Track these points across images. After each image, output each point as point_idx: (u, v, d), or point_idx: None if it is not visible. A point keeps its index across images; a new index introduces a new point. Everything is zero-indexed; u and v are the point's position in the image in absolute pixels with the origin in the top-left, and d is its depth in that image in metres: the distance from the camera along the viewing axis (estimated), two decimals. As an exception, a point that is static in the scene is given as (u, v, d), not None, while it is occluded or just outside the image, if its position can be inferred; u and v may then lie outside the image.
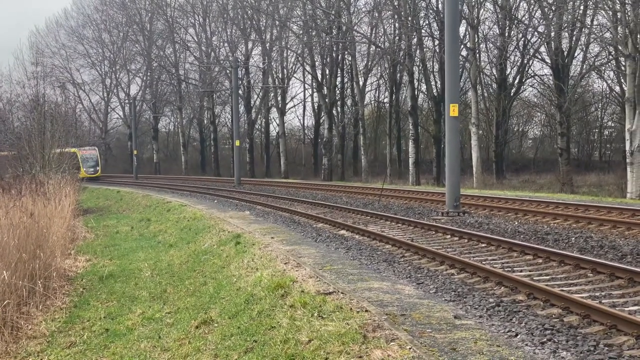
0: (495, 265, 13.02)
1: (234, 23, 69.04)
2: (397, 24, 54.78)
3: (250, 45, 69.19)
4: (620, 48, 37.04)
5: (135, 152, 74.07)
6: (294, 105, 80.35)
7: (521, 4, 50.94)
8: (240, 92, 60.65)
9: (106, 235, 28.50)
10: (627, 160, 34.70)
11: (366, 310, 9.41)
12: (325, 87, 60.47)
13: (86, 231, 29.78)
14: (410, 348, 7.69)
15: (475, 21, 46.56)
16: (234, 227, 21.46)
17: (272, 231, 19.99)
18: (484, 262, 13.32)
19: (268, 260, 14.77)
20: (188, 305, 14.22)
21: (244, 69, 65.70)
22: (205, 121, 79.56)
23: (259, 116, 75.39)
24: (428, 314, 9.37)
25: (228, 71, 66.84)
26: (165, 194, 43.11)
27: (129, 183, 61.46)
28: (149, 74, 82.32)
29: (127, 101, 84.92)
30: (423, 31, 51.33)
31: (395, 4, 50.33)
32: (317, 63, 61.49)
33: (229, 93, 70.92)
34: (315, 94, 68.34)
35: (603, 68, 51.99)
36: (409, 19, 48.59)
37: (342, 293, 10.65)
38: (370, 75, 63.59)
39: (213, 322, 12.07)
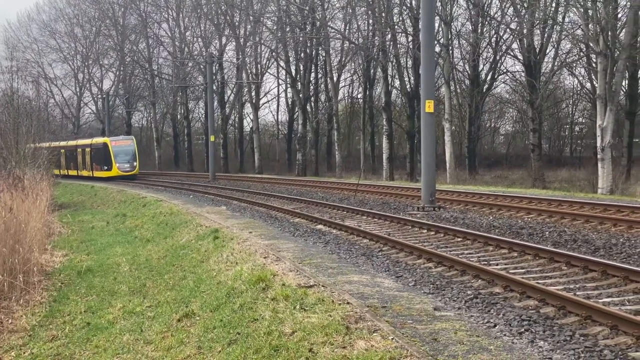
0: (471, 259, 13.28)
1: (207, 18, 68.89)
2: (370, 20, 54.96)
3: (224, 40, 69.08)
4: (591, 45, 37.52)
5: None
6: (268, 101, 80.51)
7: (493, 1, 51.45)
8: (214, 87, 60.56)
9: (82, 231, 28.44)
10: (598, 156, 35.19)
11: (348, 303, 9.60)
12: (299, 83, 60.58)
13: (61, 226, 29.69)
14: (392, 338, 7.90)
15: (449, 18, 46.89)
16: (211, 222, 21.57)
17: (249, 226, 20.13)
18: (460, 256, 13.57)
19: (247, 254, 14.92)
20: (168, 299, 14.32)
21: (217, 65, 65.59)
22: (178, 116, 79.33)
23: (233, 111, 75.32)
24: (408, 306, 9.58)
25: (202, 66, 66.75)
26: (140, 189, 43.01)
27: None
28: (122, 68, 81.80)
29: (99, 96, 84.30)
30: (397, 27, 51.55)
31: (369, 0, 50.53)
32: (291, 59, 61.57)
33: (202, 88, 70.83)
34: (289, 90, 68.42)
35: (574, 65, 52.60)
36: (383, 15, 48.80)
37: (323, 286, 10.83)
38: (344, 71, 63.88)
39: (195, 315, 12.19)
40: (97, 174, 59.20)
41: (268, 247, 15.32)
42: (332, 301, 9.76)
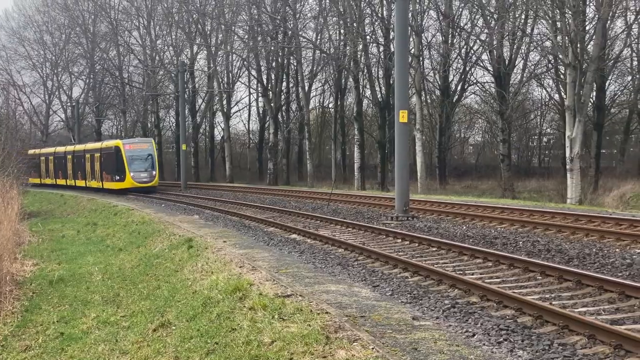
0: (447, 269, 13.35)
1: (179, 27, 68.67)
2: (342, 30, 55.18)
3: (195, 49, 68.93)
4: (560, 57, 37.95)
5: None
6: (239, 110, 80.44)
7: (463, 12, 51.83)
8: (185, 96, 60.37)
9: (52, 240, 28.21)
10: (567, 167, 35.57)
11: (326, 312, 9.62)
12: (270, 92, 60.60)
13: (31, 235, 29.43)
14: (373, 348, 7.93)
15: (419, 28, 47.20)
16: (185, 231, 21.50)
17: (223, 235, 20.08)
18: (436, 266, 13.64)
19: (222, 263, 14.89)
20: (143, 309, 14.25)
21: (189, 73, 65.39)
22: (149, 125, 78.89)
23: (204, 120, 75.10)
24: (387, 316, 9.62)
25: (173, 75, 66.47)
26: (111, 197, 42.71)
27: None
28: (92, 76, 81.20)
29: (69, 104, 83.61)
30: (368, 38, 51.81)
31: (341, 9, 50.72)
32: (262, 68, 61.58)
33: (173, 97, 70.51)
34: (261, 99, 68.40)
35: (543, 76, 53.17)
36: (354, 25, 49.00)
37: (300, 296, 10.84)
38: (315, 80, 63.92)
39: (171, 325, 12.15)
40: (107, 185, 48.94)
41: (243, 257, 15.30)
42: (311, 311, 9.77)
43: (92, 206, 38.23)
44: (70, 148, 58.30)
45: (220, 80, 67.07)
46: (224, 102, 67.66)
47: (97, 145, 53.07)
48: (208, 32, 66.03)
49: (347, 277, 13.17)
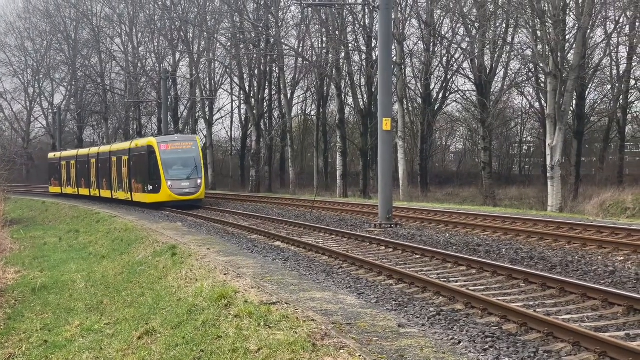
0: (431, 276, 13.44)
1: (161, 34, 68.51)
2: (324, 38, 55.30)
3: (177, 56, 68.79)
4: (541, 65, 38.23)
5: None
6: (222, 117, 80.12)
7: (445, 21, 52.08)
8: (167, 103, 60.22)
9: (34, 247, 28.09)
10: (548, 175, 35.78)
11: (312, 320, 9.65)
12: (253, 99, 60.58)
13: (13, 242, 29.26)
14: (359, 355, 7.97)
15: (402, 37, 47.39)
16: (168, 239, 21.46)
17: (207, 242, 20.07)
18: (420, 273, 13.72)
19: (207, 271, 14.88)
20: (127, 316, 14.23)
21: (171, 80, 65.24)
22: (131, 132, 78.60)
23: (186, 127, 74.96)
24: (373, 323, 9.67)
25: (155, 82, 66.33)
26: (93, 204, 42.51)
27: (54, 194, 59.79)
28: (73, 83, 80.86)
29: (50, 111, 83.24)
30: (350, 46, 51.96)
31: (323, 18, 50.83)
32: (245, 75, 61.53)
33: (155, 104, 70.32)
34: (243, 106, 68.36)
35: (523, 85, 53.52)
36: (337, 33, 49.13)
37: (286, 303, 10.87)
38: (297, 88, 64.04)
39: (156, 333, 12.14)
40: (137, 197, 38.40)
41: (227, 264, 15.30)
42: (297, 318, 9.80)
43: (74, 213, 38.06)
44: (94, 150, 49.28)
45: (203, 87, 66.97)
46: (207, 109, 67.57)
47: (125, 145, 42.65)
48: (190, 40, 65.93)
49: (332, 284, 13.22)
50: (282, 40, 55.15)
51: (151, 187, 36.10)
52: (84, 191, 49.78)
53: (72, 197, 51.29)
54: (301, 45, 58.72)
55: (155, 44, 71.41)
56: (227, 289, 12.30)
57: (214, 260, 16.12)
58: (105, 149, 46.48)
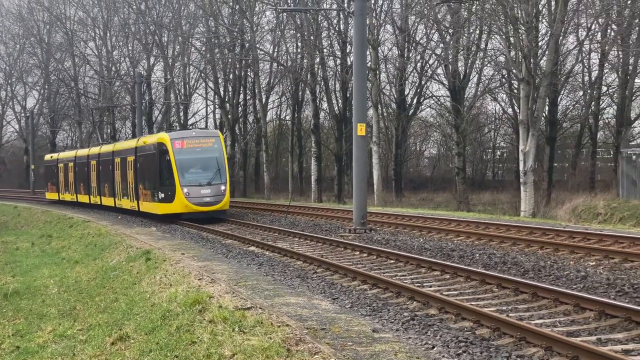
0: (405, 281, 13.50)
1: (135, 38, 68.21)
2: (299, 43, 55.39)
3: (152, 60, 68.52)
4: (514, 72, 38.54)
5: (32, 166, 71.90)
6: (196, 121, 79.78)
7: (419, 27, 52.34)
8: (141, 107, 59.95)
9: (6, 252, 27.85)
10: (521, 180, 36.02)
11: (287, 325, 9.67)
12: (228, 104, 60.48)
13: (-17, 248, 29.02)
14: (334, 360, 8.00)
15: (376, 43, 47.56)
16: (142, 243, 21.38)
17: (181, 247, 20.03)
18: (394, 278, 13.78)
19: (181, 276, 14.85)
20: (100, 322, 14.14)
21: (145, 85, 64.94)
22: (105, 136, 78.17)
23: (162, 132, 74.62)
24: (347, 328, 9.70)
25: (129, 86, 65.99)
26: (66, 209, 42.18)
27: (26, 198, 58.97)
28: (46, 87, 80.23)
29: (23, 114, 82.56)
30: (325, 51, 52.09)
31: (298, 23, 50.89)
32: (220, 80, 61.41)
33: (129, 108, 69.95)
34: (218, 111, 68.25)
35: (497, 91, 53.89)
36: (312, 38, 49.22)
37: (260, 308, 10.87)
38: (272, 92, 64.00)
39: (129, 338, 12.07)
40: (145, 206, 32.21)
41: (202, 269, 15.28)
42: (271, 323, 9.81)
43: (47, 218, 37.78)
44: (94, 150, 43.61)
45: (177, 91, 66.80)
46: (181, 113, 67.40)
47: (130, 143, 36.21)
48: (165, 44, 65.67)
49: (306, 289, 13.24)
50: (257, 45, 55.12)
51: (162, 195, 29.63)
52: (83, 198, 44.25)
53: (70, 205, 46.72)
54: (276, 50, 58.81)
55: (130, 47, 71.04)
56: (201, 294, 12.28)
57: (188, 265, 16.08)
58: (107, 148, 40.83)
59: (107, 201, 38.55)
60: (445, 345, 8.99)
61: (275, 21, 56.34)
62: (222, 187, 29.61)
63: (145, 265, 17.49)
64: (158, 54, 65.92)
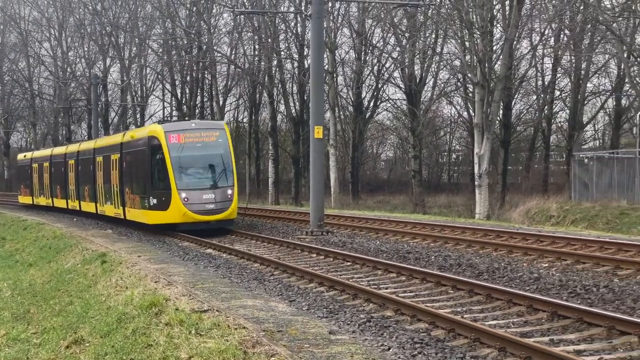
0: (362, 283, 13.60)
1: (91, 39, 67.62)
2: (257, 45, 55.35)
3: (108, 61, 67.99)
4: (469, 75, 39.00)
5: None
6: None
7: (376, 30, 52.66)
8: (97, 109, 59.37)
9: (-43, 255, 27.39)
10: (476, 183, 36.48)
11: (243, 327, 9.67)
12: (185, 106, 60.23)
13: None
14: (290, 362, 8.05)
15: (333, 46, 47.74)
16: (98, 246, 21.18)
17: (138, 250, 19.89)
18: (351, 280, 13.88)
19: (137, 279, 14.76)
20: (55, 325, 14.00)
21: (101, 86, 64.36)
22: (60, 138, 77.21)
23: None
24: (304, 330, 9.74)
25: (85, 87, 65.33)
26: (20, 211, 41.60)
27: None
28: (0, 87, 79.09)
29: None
30: (283, 53, 52.15)
31: (256, 25, 50.87)
32: (177, 82, 61.17)
33: (85, 109, 69.24)
34: (175, 113, 67.86)
35: (452, 94, 54.45)
36: (269, 40, 49.24)
37: (217, 311, 10.86)
38: (230, 95, 63.88)
39: (84, 342, 11.99)
40: (133, 214, 27.11)
41: (158, 271, 15.19)
42: (228, 326, 9.81)
43: (0, 220, 37.21)
44: (73, 148, 38.68)
45: (134, 93, 66.39)
46: (138, 115, 66.93)
47: (115, 138, 31.14)
48: (121, 45, 65.24)
49: (263, 292, 13.27)
50: (215, 47, 54.98)
51: (155, 201, 24.47)
52: (59, 202, 39.42)
53: (45, 210, 42.41)
54: (234, 52, 58.67)
55: (85, 48, 70.41)
56: (157, 296, 12.22)
57: (144, 267, 15.98)
58: (87, 145, 35.73)
59: (88, 207, 33.96)
60: (401, 346, 9.08)
61: (232, 23, 56.28)
62: (229, 192, 24.38)
63: (101, 268, 17.34)
64: (114, 55, 65.46)
